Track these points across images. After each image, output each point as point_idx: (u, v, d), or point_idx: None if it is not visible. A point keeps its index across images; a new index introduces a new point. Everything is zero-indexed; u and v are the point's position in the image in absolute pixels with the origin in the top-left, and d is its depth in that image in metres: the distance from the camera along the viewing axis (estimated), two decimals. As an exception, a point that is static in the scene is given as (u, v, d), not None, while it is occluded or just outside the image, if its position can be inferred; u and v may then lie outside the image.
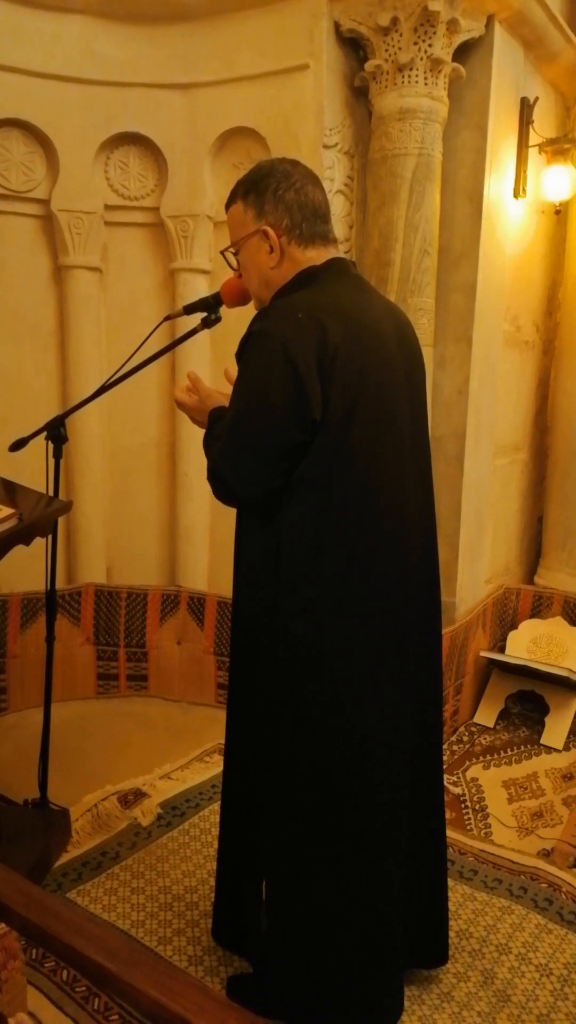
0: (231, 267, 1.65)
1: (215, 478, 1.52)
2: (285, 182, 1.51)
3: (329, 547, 1.47)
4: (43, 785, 2.32)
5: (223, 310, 1.80)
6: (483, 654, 3.32)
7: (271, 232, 1.52)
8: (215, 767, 2.73)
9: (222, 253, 1.65)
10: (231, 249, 1.61)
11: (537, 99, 3.13)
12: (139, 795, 2.52)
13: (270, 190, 1.51)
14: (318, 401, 1.41)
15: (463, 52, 2.77)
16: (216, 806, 2.49)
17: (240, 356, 1.50)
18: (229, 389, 1.67)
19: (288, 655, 1.50)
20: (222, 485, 1.51)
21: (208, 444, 1.58)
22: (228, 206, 1.59)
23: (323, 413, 1.42)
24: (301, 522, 1.46)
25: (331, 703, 1.51)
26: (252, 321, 1.49)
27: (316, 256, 1.54)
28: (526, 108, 3.10)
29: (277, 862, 1.60)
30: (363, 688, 1.53)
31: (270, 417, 1.42)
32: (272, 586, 1.50)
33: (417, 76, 2.62)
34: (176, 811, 2.48)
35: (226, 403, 1.61)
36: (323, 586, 1.47)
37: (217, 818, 2.40)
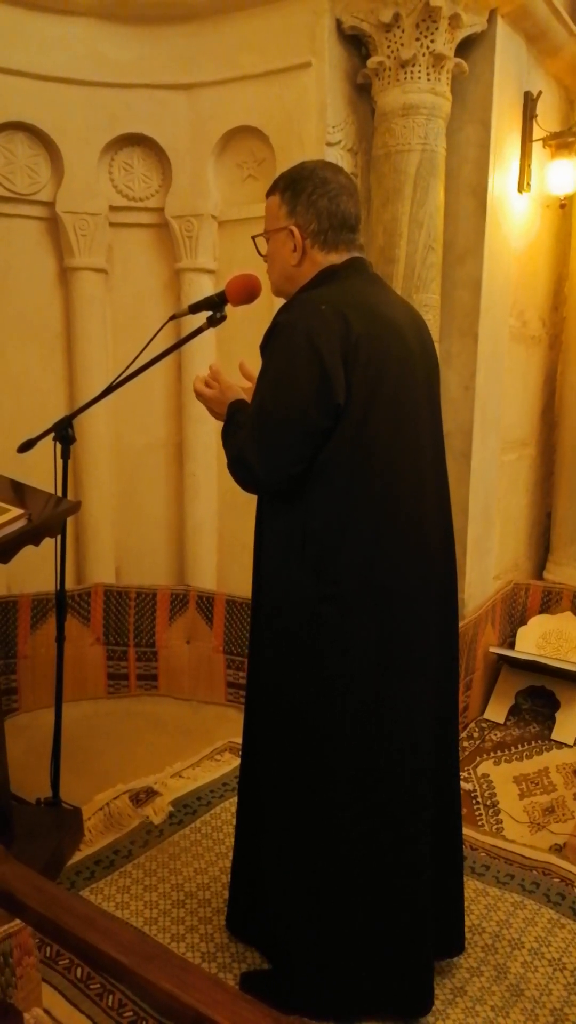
0: (259, 253, 1.70)
1: (239, 465, 1.55)
2: (321, 188, 1.57)
3: (352, 530, 1.51)
4: (55, 784, 2.33)
5: (228, 308, 1.81)
6: (493, 650, 3.31)
7: (297, 232, 1.58)
8: (226, 765, 2.74)
9: (253, 238, 1.71)
10: (262, 236, 1.67)
11: (540, 93, 3.12)
12: (151, 793, 2.53)
13: (305, 193, 1.57)
14: (342, 387, 1.46)
15: (465, 47, 2.76)
16: (227, 803, 2.50)
17: (264, 348, 1.55)
18: (244, 383, 1.70)
19: (314, 639, 1.53)
20: (247, 471, 1.54)
21: (228, 434, 1.61)
22: (268, 195, 1.65)
23: (346, 399, 1.46)
24: (326, 506, 1.50)
25: (356, 686, 1.54)
26: (277, 314, 1.55)
27: (337, 259, 1.60)
28: (529, 102, 3.09)
29: (305, 848, 1.61)
30: (387, 672, 1.56)
31: (296, 403, 1.46)
32: (297, 570, 1.54)
33: (419, 72, 2.62)
34: (188, 809, 2.49)
35: (245, 396, 1.65)
36: (346, 570, 1.51)
37: (229, 815, 2.42)
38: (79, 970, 1.80)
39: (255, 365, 1.78)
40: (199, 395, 1.71)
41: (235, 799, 2.05)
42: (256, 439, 1.51)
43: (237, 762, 2.66)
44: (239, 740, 1.87)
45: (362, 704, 1.55)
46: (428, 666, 1.64)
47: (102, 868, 2.21)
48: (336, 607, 1.52)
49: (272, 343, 1.53)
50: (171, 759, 2.79)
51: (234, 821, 1.94)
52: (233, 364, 1.84)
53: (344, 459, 1.49)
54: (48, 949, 1.85)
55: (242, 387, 1.72)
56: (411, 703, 1.60)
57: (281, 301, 1.64)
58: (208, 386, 1.69)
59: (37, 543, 1.99)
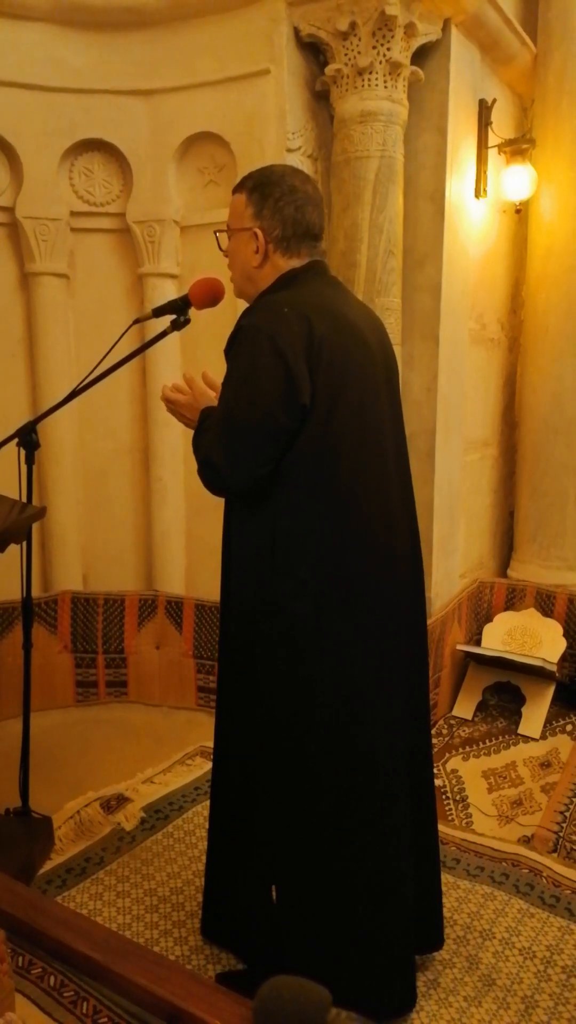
0: (219, 247, 1.71)
1: (207, 467, 1.56)
2: (289, 196, 1.59)
3: (320, 530, 1.52)
4: (24, 794, 2.31)
5: (192, 312, 1.82)
6: (459, 647, 3.36)
7: (260, 236, 1.60)
8: (197, 770, 2.74)
9: (215, 233, 1.72)
10: (224, 231, 1.68)
11: (495, 100, 3.19)
12: (122, 800, 2.51)
13: (272, 198, 1.59)
14: (307, 388, 1.47)
15: (421, 55, 2.81)
16: (200, 808, 2.50)
17: (229, 351, 1.57)
18: (210, 393, 1.71)
19: (286, 638, 1.54)
20: (214, 474, 1.55)
21: (198, 440, 1.61)
22: (234, 191, 1.66)
23: (311, 400, 1.48)
24: (294, 507, 1.52)
25: (330, 683, 1.56)
26: (240, 317, 1.56)
27: (298, 263, 1.62)
28: (484, 109, 3.16)
29: (283, 850, 1.62)
30: (360, 669, 1.58)
31: (261, 405, 1.48)
32: (267, 571, 1.55)
33: (377, 79, 2.66)
34: (160, 814, 2.48)
35: (215, 403, 1.65)
36: (316, 569, 1.53)
37: (201, 819, 2.42)
38: (52, 978, 1.78)
39: (220, 368, 1.79)
40: (170, 402, 1.70)
41: (207, 803, 2.05)
42: (223, 441, 1.52)
43: (209, 766, 2.66)
44: (210, 744, 1.88)
45: (337, 702, 1.57)
46: (400, 663, 1.66)
47: (74, 876, 2.19)
48: (307, 606, 1.53)
49: (236, 347, 1.54)
50: (142, 765, 2.78)
51: (207, 825, 1.94)
52: (198, 368, 1.85)
53: (310, 459, 1.51)
54: (20, 959, 1.82)
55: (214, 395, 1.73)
56: (385, 700, 1.62)
57: (244, 304, 1.66)
58: (181, 392, 1.69)
59: (2, 549, 1.97)
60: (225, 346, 1.58)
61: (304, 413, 1.49)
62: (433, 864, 1.83)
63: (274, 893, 1.67)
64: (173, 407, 1.71)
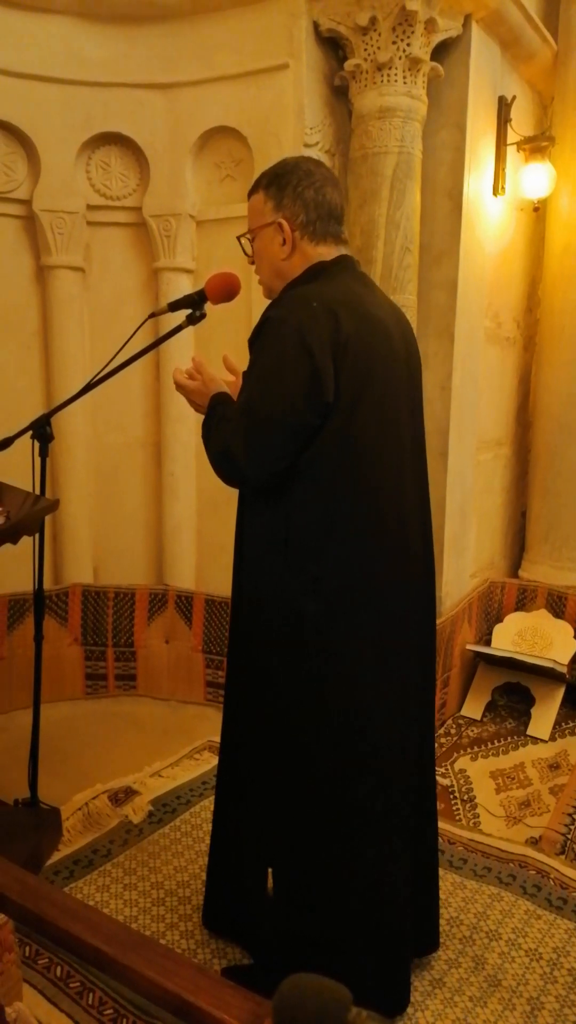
0: (245, 253, 1.70)
1: (224, 459, 1.54)
2: (306, 180, 1.58)
3: (335, 528, 1.52)
4: (33, 785, 2.32)
5: (208, 307, 1.81)
6: (469, 647, 3.35)
7: (286, 225, 1.58)
8: (205, 764, 2.74)
9: (238, 239, 1.70)
10: (247, 236, 1.66)
11: (515, 98, 3.16)
12: (130, 793, 2.52)
13: (291, 186, 1.58)
14: (331, 385, 1.46)
15: (441, 51, 2.80)
16: (207, 802, 2.51)
17: (254, 342, 1.55)
18: (228, 376, 1.70)
19: (296, 634, 1.54)
20: (231, 466, 1.54)
21: (212, 427, 1.59)
22: (250, 194, 1.65)
23: (335, 397, 1.47)
24: (310, 503, 1.51)
25: (336, 681, 1.55)
26: (267, 308, 1.54)
27: (326, 252, 1.61)
28: (504, 106, 3.13)
29: (284, 843, 1.62)
30: (368, 668, 1.57)
31: (285, 400, 1.46)
32: (280, 567, 1.54)
33: (396, 75, 2.65)
34: (167, 808, 2.49)
35: (228, 389, 1.65)
36: (329, 566, 1.52)
37: (209, 814, 2.42)
38: (59, 969, 1.80)
39: (237, 360, 1.79)
40: (180, 387, 1.69)
41: (214, 798, 2.05)
42: (244, 434, 1.50)
43: (216, 761, 2.67)
44: (218, 739, 1.88)
45: (343, 700, 1.56)
46: (408, 663, 1.66)
47: (81, 868, 2.20)
48: (318, 602, 1.53)
49: (262, 338, 1.52)
50: (150, 759, 2.78)
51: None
52: (212, 363, 1.85)
53: (329, 457, 1.50)
54: (27, 949, 1.84)
55: (225, 380, 1.71)
56: (391, 700, 1.62)
57: (262, 300, 1.65)
58: (191, 378, 1.69)
59: (15, 541, 1.98)
60: (250, 336, 1.56)
61: (327, 410, 1.47)
62: (431, 866, 1.82)
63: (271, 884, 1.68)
64: (184, 392, 1.70)
